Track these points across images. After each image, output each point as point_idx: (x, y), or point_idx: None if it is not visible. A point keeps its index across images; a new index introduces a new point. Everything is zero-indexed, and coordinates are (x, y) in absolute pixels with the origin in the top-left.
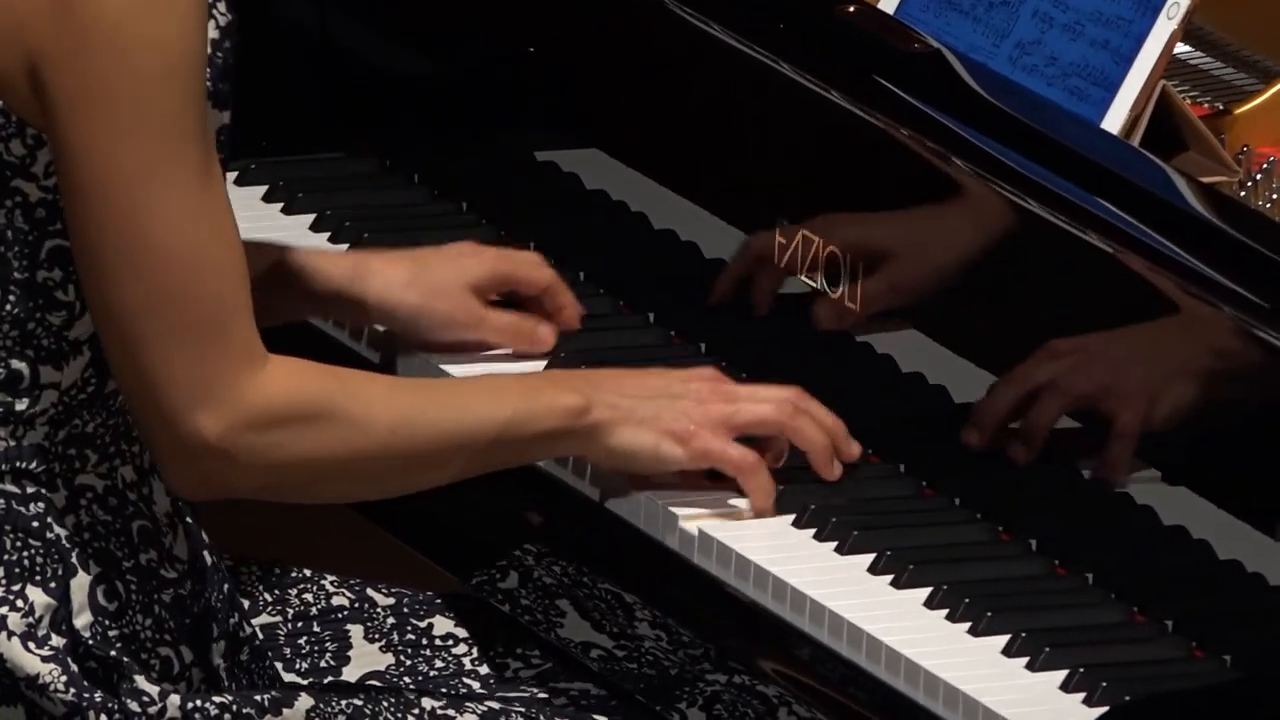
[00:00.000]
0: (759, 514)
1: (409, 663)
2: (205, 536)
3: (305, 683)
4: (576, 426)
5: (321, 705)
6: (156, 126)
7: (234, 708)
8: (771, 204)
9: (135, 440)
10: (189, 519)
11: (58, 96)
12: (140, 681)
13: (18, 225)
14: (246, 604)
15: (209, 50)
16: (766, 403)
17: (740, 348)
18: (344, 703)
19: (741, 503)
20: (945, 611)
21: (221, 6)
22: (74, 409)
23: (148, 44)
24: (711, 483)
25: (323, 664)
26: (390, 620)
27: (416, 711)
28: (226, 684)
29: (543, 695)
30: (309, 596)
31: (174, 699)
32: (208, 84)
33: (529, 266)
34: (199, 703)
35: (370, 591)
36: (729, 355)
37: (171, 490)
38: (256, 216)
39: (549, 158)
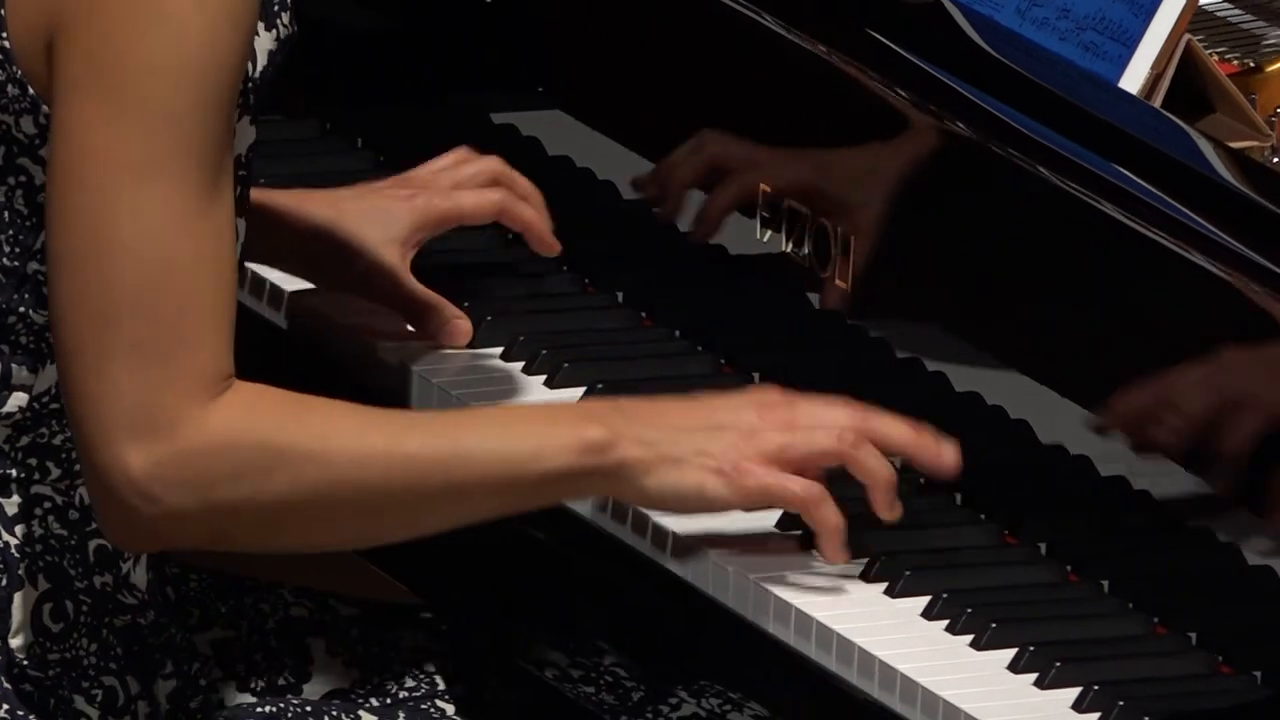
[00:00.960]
0: (828, 555)
1: (376, 679)
2: (169, 569)
3: (256, 702)
4: (601, 465)
5: None
6: (156, 120)
7: None
8: (754, 172)
9: None
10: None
11: (64, 70)
12: (79, 702)
13: (16, 208)
14: (197, 614)
15: (264, 62)
16: (825, 430)
17: (720, 331)
18: None
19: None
20: (945, 622)
21: (285, 17)
22: (43, 417)
23: (165, 31)
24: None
25: (280, 681)
26: (354, 632)
27: None
28: None
29: None
30: (265, 607)
31: None
32: (247, 99)
33: (472, 201)
34: None
35: (332, 601)
36: (707, 339)
37: (103, 532)
38: None
39: (506, 120)
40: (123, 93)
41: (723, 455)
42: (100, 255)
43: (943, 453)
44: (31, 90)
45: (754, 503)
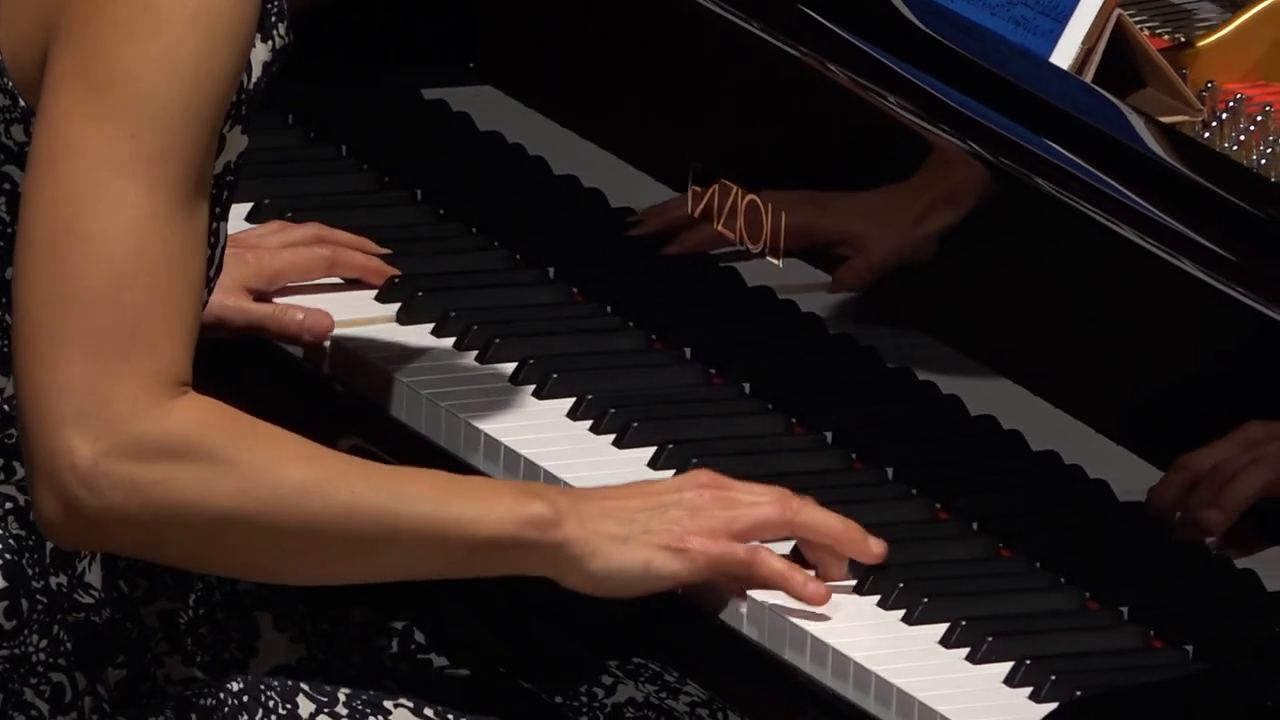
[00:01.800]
0: (803, 597)
1: (324, 656)
2: (121, 562)
3: (195, 692)
4: (542, 541)
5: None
6: (143, 122)
7: None
8: (685, 148)
9: None
10: None
11: (54, 70)
12: (29, 695)
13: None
14: (144, 585)
15: (259, 73)
16: (767, 503)
17: (651, 306)
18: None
19: None
20: (877, 598)
21: (281, 28)
22: (11, 419)
23: (163, 38)
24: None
25: (227, 656)
26: (301, 608)
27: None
28: (110, 713)
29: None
30: (212, 579)
31: None
32: (240, 109)
33: (303, 258)
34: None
35: None
36: (637, 315)
37: (39, 524)
38: None
39: (437, 95)
40: (113, 92)
41: (667, 531)
42: (70, 245)
43: (870, 546)
44: (23, 102)
45: (700, 575)
